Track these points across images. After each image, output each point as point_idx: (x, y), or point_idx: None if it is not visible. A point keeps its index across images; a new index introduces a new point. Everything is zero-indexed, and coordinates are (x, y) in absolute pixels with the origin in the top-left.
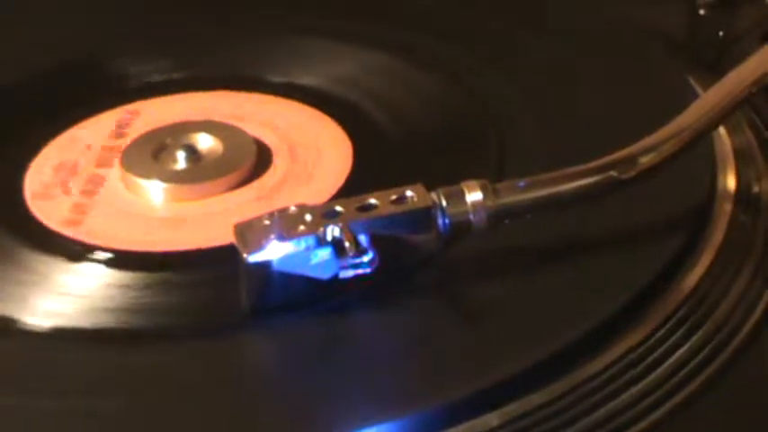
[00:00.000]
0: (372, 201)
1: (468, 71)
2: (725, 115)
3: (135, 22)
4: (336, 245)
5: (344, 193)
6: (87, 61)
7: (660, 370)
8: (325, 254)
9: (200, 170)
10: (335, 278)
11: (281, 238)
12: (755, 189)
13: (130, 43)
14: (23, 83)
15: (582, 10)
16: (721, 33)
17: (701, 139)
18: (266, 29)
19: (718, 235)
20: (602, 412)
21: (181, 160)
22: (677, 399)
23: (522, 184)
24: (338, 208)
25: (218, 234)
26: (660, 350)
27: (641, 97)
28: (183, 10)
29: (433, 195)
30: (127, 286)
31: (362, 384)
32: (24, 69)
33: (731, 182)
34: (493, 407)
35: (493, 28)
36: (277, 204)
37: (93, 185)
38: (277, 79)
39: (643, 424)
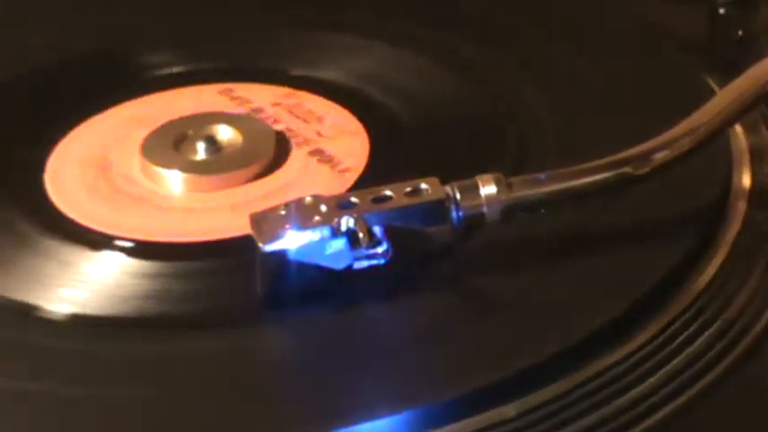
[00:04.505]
0: (387, 192)
1: (486, 67)
2: (741, 113)
3: (156, 15)
4: (351, 236)
5: (361, 185)
6: (109, 52)
7: (674, 364)
8: (339, 244)
9: (220, 161)
10: (350, 269)
11: (297, 228)
12: None
13: (152, 35)
14: (41, 74)
15: (600, 9)
16: (740, 32)
17: (716, 136)
18: (287, 22)
19: (731, 232)
20: (615, 405)
21: (201, 151)
22: (691, 392)
23: (536, 178)
24: (353, 199)
25: (235, 225)
26: (674, 345)
27: (659, 96)
28: (205, 2)
29: (448, 188)
30: (145, 275)
31: (377, 375)
32: (47, 60)
33: (746, 180)
34: (510, 398)
35: (512, 25)
36: (294, 196)
37: (114, 174)
38: (297, 72)
39: (657, 416)
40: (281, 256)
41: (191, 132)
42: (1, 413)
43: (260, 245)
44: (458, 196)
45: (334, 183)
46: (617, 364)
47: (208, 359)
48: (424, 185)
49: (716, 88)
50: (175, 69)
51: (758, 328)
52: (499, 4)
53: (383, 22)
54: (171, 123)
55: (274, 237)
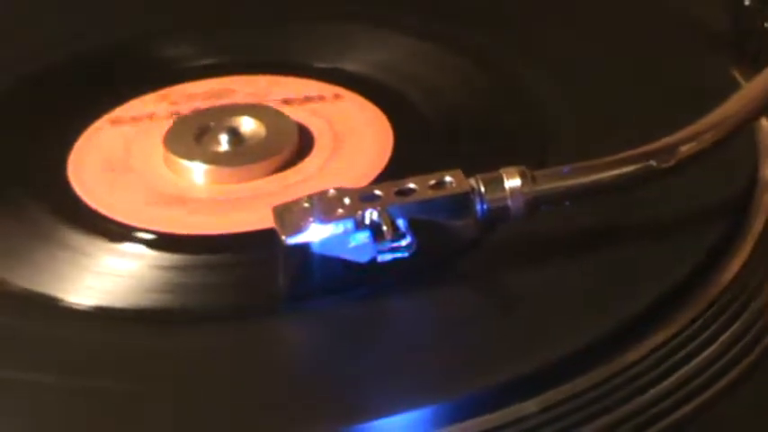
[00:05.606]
0: (411, 185)
1: (509, 60)
2: (767, 106)
3: (181, 7)
4: (374, 229)
5: (385, 177)
6: (137, 43)
7: (699, 359)
8: (363, 237)
9: (243, 153)
10: (373, 262)
11: (320, 220)
12: None
13: (176, 27)
14: (67, 64)
15: (623, 3)
16: (766, 24)
17: (741, 129)
18: (310, 14)
19: (758, 225)
20: (638, 401)
21: (223, 143)
22: (716, 388)
23: (560, 171)
24: (377, 192)
25: (258, 217)
26: (699, 339)
27: (683, 88)
28: None
29: (472, 181)
30: (167, 268)
31: (398, 369)
32: (68, 51)
33: None
34: (531, 394)
35: (535, 17)
36: (318, 189)
37: (137, 167)
38: (320, 64)
39: (681, 412)
40: (304, 248)
41: (213, 124)
42: (25, 405)
43: (283, 238)
44: (482, 189)
45: (359, 176)
46: (641, 359)
47: (229, 352)
48: (448, 178)
49: (741, 81)
50: (195, 62)
51: None
52: None
53: (407, 16)
54: (193, 115)
55: (297, 229)
